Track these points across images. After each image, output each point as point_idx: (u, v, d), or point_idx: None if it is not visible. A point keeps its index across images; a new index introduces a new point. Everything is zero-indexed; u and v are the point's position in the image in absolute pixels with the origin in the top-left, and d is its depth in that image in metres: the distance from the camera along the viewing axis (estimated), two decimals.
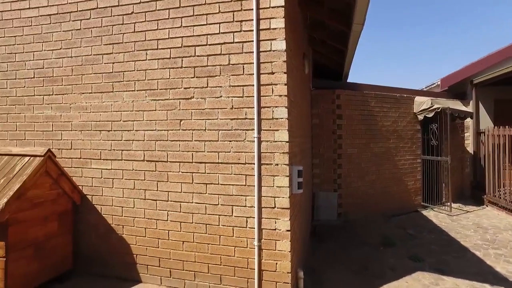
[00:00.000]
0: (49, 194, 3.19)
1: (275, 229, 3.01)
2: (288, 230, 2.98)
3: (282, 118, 3.00)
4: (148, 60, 3.37)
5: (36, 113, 3.77)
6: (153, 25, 3.37)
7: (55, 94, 3.70)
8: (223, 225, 3.15)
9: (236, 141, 3.11)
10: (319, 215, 5.69)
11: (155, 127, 3.33)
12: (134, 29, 3.43)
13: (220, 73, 3.16)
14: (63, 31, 3.69)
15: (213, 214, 3.18)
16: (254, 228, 3.05)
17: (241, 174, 3.09)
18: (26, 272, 2.97)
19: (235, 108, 3.11)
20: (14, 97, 3.86)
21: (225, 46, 3.15)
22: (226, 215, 3.14)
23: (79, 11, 3.63)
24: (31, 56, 3.80)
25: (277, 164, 3.01)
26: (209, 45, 3.19)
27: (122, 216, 3.48)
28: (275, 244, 3.01)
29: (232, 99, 3.12)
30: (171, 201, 3.29)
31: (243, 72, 3.09)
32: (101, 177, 3.53)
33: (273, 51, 3.02)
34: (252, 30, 3.06)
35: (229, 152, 3.12)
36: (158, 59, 3.34)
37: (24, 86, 3.82)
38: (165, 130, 3.30)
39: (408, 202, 7.11)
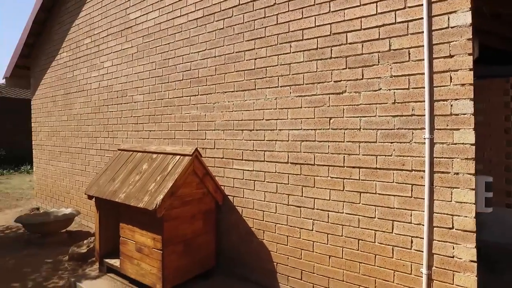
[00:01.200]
0: (196, 193, 3.23)
1: (452, 257, 2.34)
2: (473, 261, 2.27)
3: (465, 114, 2.29)
4: (293, 53, 3.09)
5: (184, 113, 3.94)
6: (297, 14, 3.07)
7: (200, 94, 3.79)
8: (380, 243, 2.62)
9: (400, 142, 2.54)
10: (484, 234, 4.55)
11: (300, 126, 3.03)
12: (277, 21, 3.20)
13: (379, 62, 2.64)
14: (208, 32, 3.73)
15: (368, 229, 2.68)
16: (422, 251, 2.43)
17: (406, 183, 2.51)
18: (177, 266, 3.05)
19: (398, 102, 2.55)
20: (167, 99, 4.13)
21: (384, 29, 2.61)
22: (384, 231, 2.61)
23: (222, 10, 3.61)
24: (181, 59, 3.98)
25: (456, 173, 2.32)
26: (364, 29, 2.71)
27: (263, 220, 3.30)
28: (452, 276, 2.33)
29: (394, 92, 2.57)
30: (317, 209, 2.94)
31: (409, 58, 2.50)
32: (243, 178, 3.43)
33: (452, 27, 2.34)
34: (421, 5, 2.44)
35: (390, 156, 2.58)
36: (304, 51, 3.02)
37: (175, 89, 4.04)
38: (312, 129, 2.96)
39: None
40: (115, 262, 3.39)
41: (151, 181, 3.04)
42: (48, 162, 6.61)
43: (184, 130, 3.93)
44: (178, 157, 3.13)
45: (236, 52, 3.49)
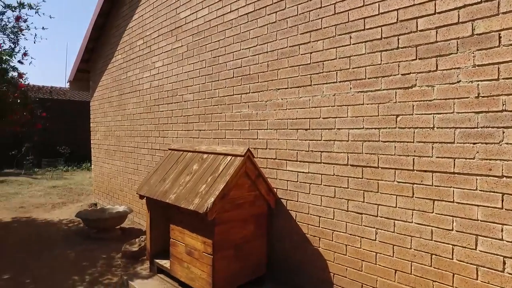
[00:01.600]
0: (248, 196, 3.07)
1: None
2: None
3: None
4: (353, 44, 2.81)
5: (234, 112, 3.81)
6: (358, 2, 2.78)
7: (251, 92, 3.63)
8: (460, 261, 2.26)
9: (485, 143, 2.16)
10: None
11: (362, 124, 2.74)
12: (334, 11, 2.93)
13: (457, 50, 2.28)
14: (259, 27, 3.56)
15: (443, 243, 2.33)
16: None
17: (493, 192, 2.13)
18: (228, 271, 2.91)
19: (482, 96, 2.17)
20: (217, 98, 4.03)
21: (465, 11, 2.24)
22: (465, 247, 2.24)
23: (275, 3, 3.41)
24: (231, 56, 3.86)
25: None
26: (438, 13, 2.36)
27: (319, 226, 3.05)
28: None
29: (478, 84, 2.19)
30: (381, 217, 2.63)
31: (499, 43, 2.12)
32: (297, 181, 3.21)
33: None
34: None
35: (473, 159, 2.21)
36: (366, 41, 2.72)
37: (225, 87, 3.93)
38: (375, 128, 2.66)
39: None
40: (165, 263, 3.35)
41: (202, 183, 2.93)
42: (104, 161, 6.90)
43: (235, 130, 3.80)
44: (229, 157, 2.99)
45: (289, 47, 3.28)
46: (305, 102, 3.14)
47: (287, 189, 3.30)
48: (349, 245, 2.84)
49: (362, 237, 2.74)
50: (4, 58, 4.98)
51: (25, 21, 5.53)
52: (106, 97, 6.73)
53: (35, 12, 5.49)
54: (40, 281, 3.62)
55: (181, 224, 3.07)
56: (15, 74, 4.94)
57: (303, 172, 3.15)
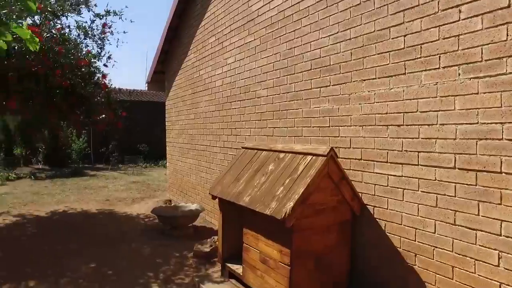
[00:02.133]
0: (330, 201, 2.72)
1: None
2: None
3: None
4: (463, 20, 2.28)
5: (312, 107, 3.48)
6: None
7: (332, 85, 3.26)
8: None
9: None
10: None
11: (476, 119, 2.21)
12: None
13: None
14: (340, 11, 3.17)
15: None
16: None
17: None
18: (306, 284, 2.60)
19: None
20: (293, 93, 3.74)
21: None
22: None
23: None
24: (308, 47, 3.53)
25: None
26: None
27: (414, 240, 2.58)
28: None
29: None
30: (505, 236, 2.08)
31: None
32: (387, 186, 2.77)
33: None
34: None
35: None
36: (482, 14, 2.19)
37: (302, 80, 3.61)
38: (497, 123, 2.12)
39: None
40: (238, 269, 3.16)
41: (279, 185, 2.66)
42: (178, 159, 7.07)
43: (313, 127, 3.47)
44: (309, 157, 2.67)
45: (377, 31, 2.84)
46: (397, 94, 2.68)
47: (374, 194, 2.87)
48: (457, 268, 2.32)
49: (477, 260, 2.21)
50: (92, 61, 5.31)
51: (110, 27, 5.87)
52: (179, 96, 6.88)
53: (119, 18, 5.80)
54: (120, 273, 3.72)
55: (255, 229, 2.84)
56: (99, 75, 5.24)
57: (395, 176, 2.70)
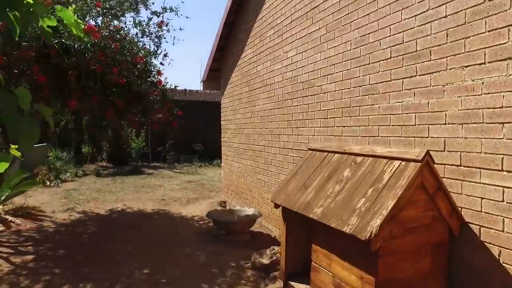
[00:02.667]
0: (423, 217, 2.18)
1: None
2: None
3: None
4: None
5: (392, 102, 2.93)
6: None
7: (419, 75, 2.69)
8: None
9: None
10: None
11: None
12: None
13: None
14: None
15: None
16: None
17: None
18: None
19: None
20: (366, 86, 3.22)
21: None
22: None
23: None
24: (387, 31, 2.99)
25: None
26: None
27: None
28: None
29: None
30: None
31: None
32: (502, 201, 2.15)
33: None
34: None
35: None
36: None
37: (378, 71, 3.08)
38: None
39: None
40: None
41: (359, 195, 2.19)
42: (233, 159, 6.82)
43: (393, 126, 2.93)
44: (397, 162, 2.16)
45: (489, 1, 2.23)
46: None
47: (481, 211, 2.26)
48: None
49: None
50: (148, 58, 5.24)
51: (166, 25, 5.78)
52: (235, 94, 6.62)
53: (175, 14, 5.68)
54: (173, 283, 3.48)
55: (328, 247, 2.39)
56: (155, 72, 5.14)
57: (509, 188, 2.08)
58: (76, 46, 3.79)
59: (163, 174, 11.85)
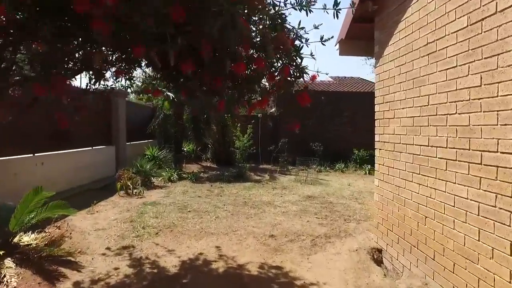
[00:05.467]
0: None
1: None
2: None
3: None
4: None
5: None
6: None
7: None
8: None
9: None
10: None
11: None
12: None
13: None
14: None
15: None
16: None
17: None
18: None
19: None
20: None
21: None
22: None
23: None
24: None
25: None
26: None
27: None
28: None
29: None
30: None
31: None
32: None
33: None
34: None
35: None
36: None
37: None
38: None
39: None
40: None
41: None
42: (405, 176, 3.47)
43: None
44: None
45: None
46: None
47: None
48: None
49: None
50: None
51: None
52: (420, 44, 3.25)
53: None
54: None
55: None
56: None
57: None
58: None
59: (275, 183, 9.12)
